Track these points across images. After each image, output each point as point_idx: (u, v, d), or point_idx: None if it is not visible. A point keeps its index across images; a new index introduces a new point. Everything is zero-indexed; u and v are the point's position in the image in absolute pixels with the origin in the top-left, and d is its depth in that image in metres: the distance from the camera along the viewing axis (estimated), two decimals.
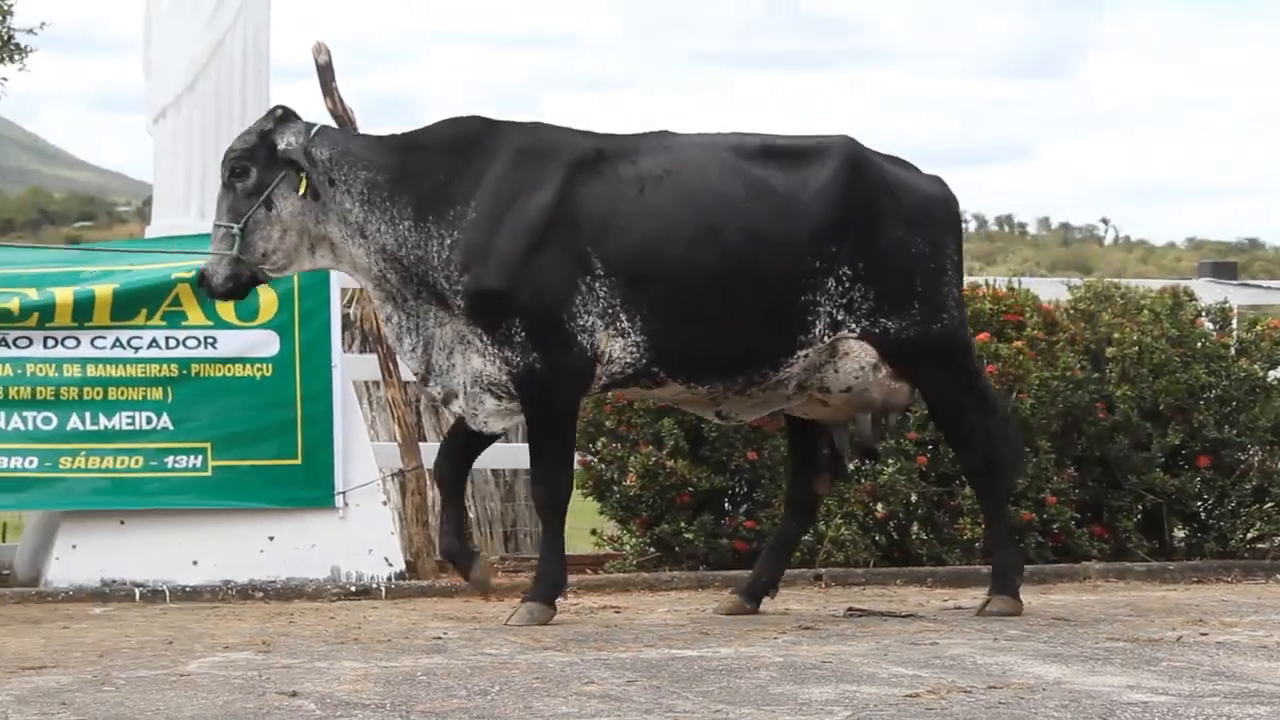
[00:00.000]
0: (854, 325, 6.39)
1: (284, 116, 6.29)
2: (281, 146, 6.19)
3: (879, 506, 7.88)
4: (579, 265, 6.18)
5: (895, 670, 5.20)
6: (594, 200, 6.24)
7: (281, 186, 6.19)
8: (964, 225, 6.89)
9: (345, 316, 8.27)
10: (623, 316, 6.21)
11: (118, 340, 7.16)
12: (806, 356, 6.38)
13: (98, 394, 7.08)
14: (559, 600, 6.34)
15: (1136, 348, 8.18)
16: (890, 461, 7.82)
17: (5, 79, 8.10)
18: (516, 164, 6.26)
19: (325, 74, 7.56)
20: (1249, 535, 8.34)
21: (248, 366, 7.15)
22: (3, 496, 7.11)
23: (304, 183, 6.16)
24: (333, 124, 7.43)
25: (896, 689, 4.86)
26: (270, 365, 7.25)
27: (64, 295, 7.07)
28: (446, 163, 6.27)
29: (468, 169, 6.26)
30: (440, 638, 5.94)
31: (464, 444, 6.46)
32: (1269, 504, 8.26)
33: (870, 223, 6.41)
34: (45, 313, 7.06)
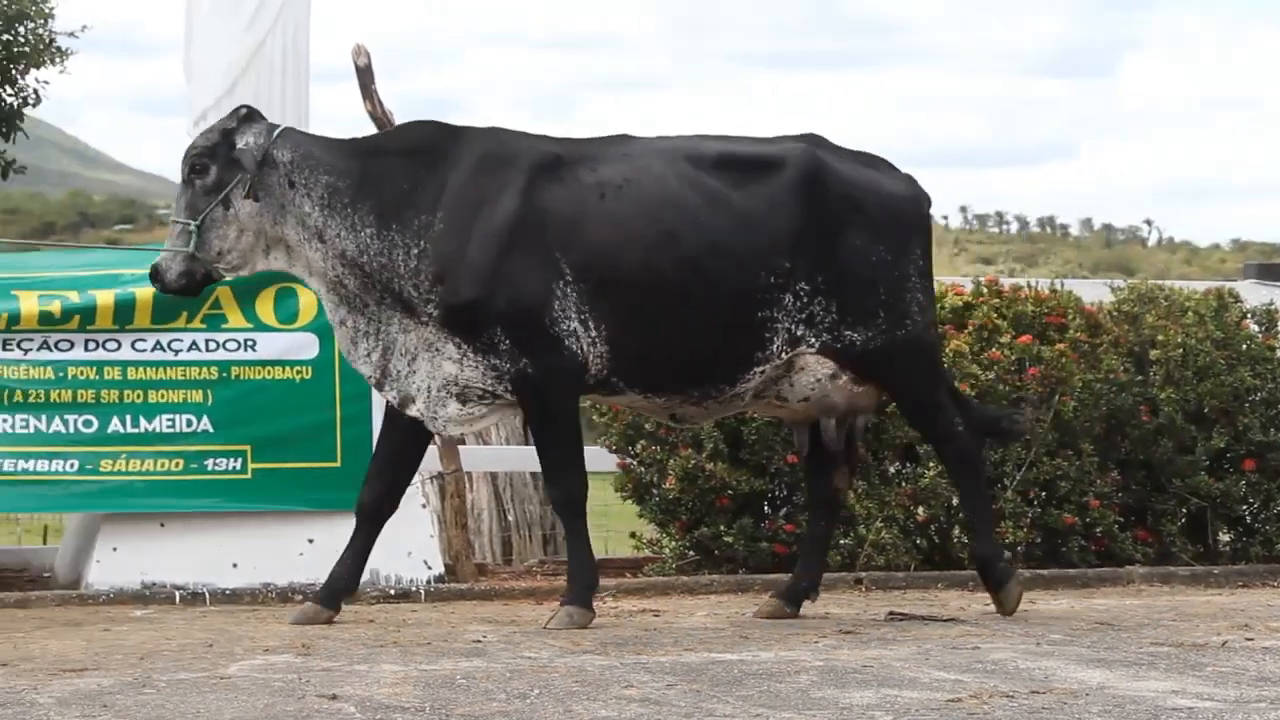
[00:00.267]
0: (814, 340, 6.34)
1: (247, 116, 6.30)
2: (239, 146, 6.19)
3: (920, 510, 7.84)
4: (552, 270, 6.17)
5: (937, 675, 5.16)
6: (558, 205, 6.22)
7: (240, 186, 6.19)
8: (934, 224, 6.82)
9: None
10: (591, 324, 6.20)
11: (158, 343, 7.18)
12: (764, 373, 6.36)
13: (138, 396, 7.10)
14: (596, 602, 6.32)
15: (1181, 350, 8.12)
16: (931, 465, 7.78)
17: (46, 82, 8.13)
18: (479, 171, 6.25)
19: (364, 76, 7.57)
20: None
21: (287, 369, 7.16)
22: (44, 499, 7.14)
23: (247, 184, 6.15)
24: (373, 126, 7.46)
25: (938, 693, 4.83)
26: (309, 368, 7.26)
27: (105, 298, 7.10)
28: (408, 170, 6.26)
29: (431, 177, 6.24)
30: (479, 641, 5.93)
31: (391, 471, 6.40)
32: None
33: (829, 235, 6.35)
34: (86, 315, 7.08)
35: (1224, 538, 8.25)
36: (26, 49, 7.98)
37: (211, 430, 7.15)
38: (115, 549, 7.10)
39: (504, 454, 9.44)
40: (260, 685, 4.98)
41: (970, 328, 8.12)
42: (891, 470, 8.00)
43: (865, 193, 6.44)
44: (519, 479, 9.89)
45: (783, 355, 6.34)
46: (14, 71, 8.00)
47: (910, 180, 6.62)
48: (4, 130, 8.09)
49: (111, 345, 7.14)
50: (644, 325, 6.21)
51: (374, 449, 6.53)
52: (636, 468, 7.93)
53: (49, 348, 7.06)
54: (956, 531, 7.99)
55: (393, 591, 7.19)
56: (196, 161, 6.22)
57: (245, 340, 7.24)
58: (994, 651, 5.63)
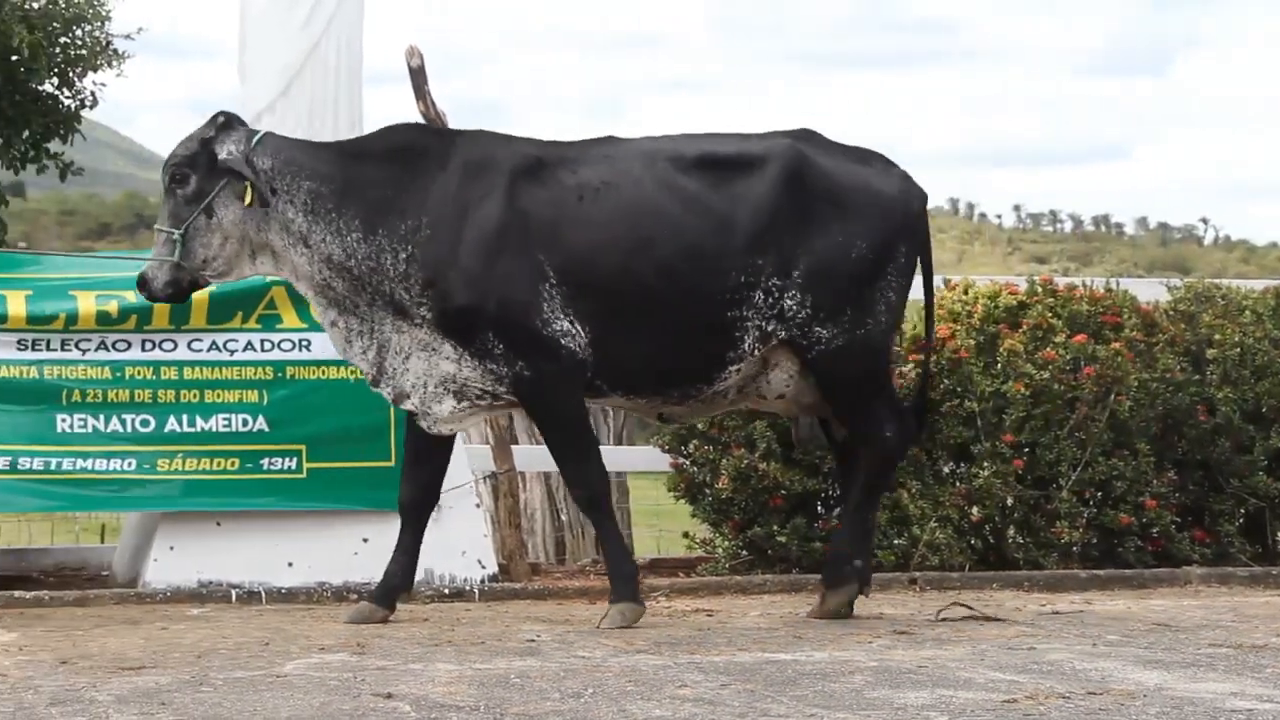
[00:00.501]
0: (783, 334, 6.31)
1: (225, 124, 6.31)
2: (222, 156, 6.21)
3: (974, 510, 7.81)
4: (538, 272, 6.18)
5: (992, 675, 5.14)
6: (539, 208, 6.23)
7: (222, 194, 6.22)
8: (929, 224, 6.66)
9: None
10: (575, 325, 6.22)
11: (214, 343, 7.23)
12: (739, 371, 6.35)
13: (194, 396, 7.14)
14: (649, 602, 6.33)
15: (1238, 349, 8.06)
16: (985, 464, 7.75)
17: (103, 85, 8.18)
18: (463, 176, 6.27)
19: (418, 77, 7.60)
20: None
21: (341, 369, 7.18)
22: (102, 498, 7.19)
23: (249, 192, 6.18)
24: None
25: (994, 694, 4.80)
26: None
27: None
28: (392, 174, 6.28)
29: (414, 182, 6.26)
30: (533, 640, 5.94)
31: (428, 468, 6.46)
32: None
33: (808, 231, 6.30)
34: (143, 316, 7.13)
35: None
36: (84, 52, 8.03)
37: (267, 430, 7.19)
38: (172, 548, 7.15)
39: None
40: (316, 684, 5.01)
41: (1024, 327, 8.08)
42: (945, 470, 7.97)
43: (849, 189, 6.37)
44: None
45: (755, 352, 6.32)
46: (71, 74, 8.06)
47: (904, 178, 6.53)
48: (62, 132, 8.15)
49: (168, 345, 7.19)
50: (622, 328, 6.22)
51: (410, 446, 6.54)
52: (689, 467, 7.92)
53: (106, 348, 7.11)
54: (1011, 531, 7.95)
55: (447, 591, 7.21)
56: (177, 171, 6.26)
57: (300, 340, 7.28)
58: (1050, 652, 5.60)
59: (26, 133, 7.94)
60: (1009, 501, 7.86)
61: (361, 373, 6.45)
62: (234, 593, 7.05)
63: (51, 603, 6.83)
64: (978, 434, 7.87)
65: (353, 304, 6.29)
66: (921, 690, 4.88)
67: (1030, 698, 4.74)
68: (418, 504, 6.49)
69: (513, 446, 8.08)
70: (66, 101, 8.09)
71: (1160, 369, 7.97)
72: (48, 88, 8.00)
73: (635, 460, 9.04)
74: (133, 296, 7.04)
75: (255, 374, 7.22)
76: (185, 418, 7.13)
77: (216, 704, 4.68)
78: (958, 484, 7.85)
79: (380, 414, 7.23)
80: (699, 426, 7.84)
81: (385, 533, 7.04)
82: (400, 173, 6.28)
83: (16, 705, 4.68)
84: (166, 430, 7.10)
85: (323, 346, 7.25)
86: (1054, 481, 7.87)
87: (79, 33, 8.02)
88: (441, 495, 7.30)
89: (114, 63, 8.14)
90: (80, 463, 7.01)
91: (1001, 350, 7.96)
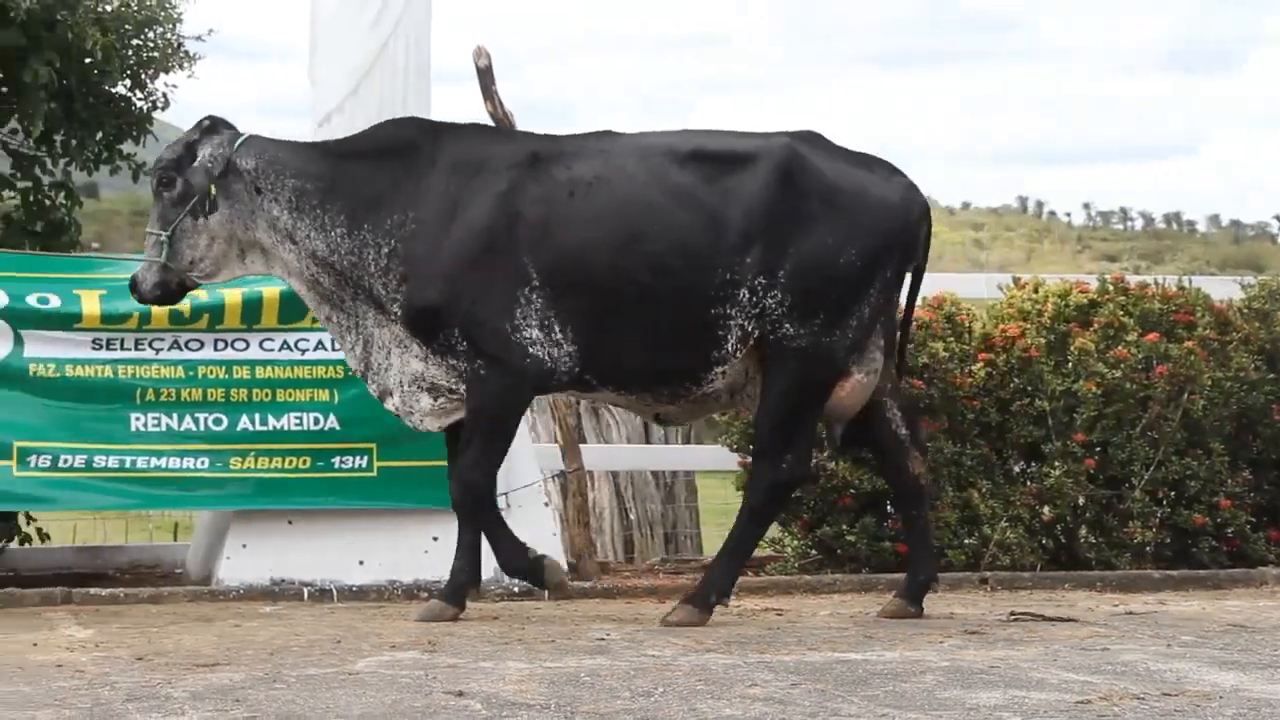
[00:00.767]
0: (757, 333, 6.22)
1: (210, 127, 6.41)
2: (198, 158, 6.31)
3: (1045, 509, 7.76)
4: (518, 277, 6.19)
5: (1065, 676, 5.10)
6: (529, 207, 6.23)
7: (204, 199, 6.30)
8: (930, 233, 6.48)
9: None
10: (556, 327, 6.21)
11: (285, 342, 7.28)
12: (725, 374, 6.28)
13: (266, 395, 7.19)
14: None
15: None
16: (1056, 464, 7.69)
17: (175, 86, 8.25)
18: (454, 173, 6.29)
19: (485, 77, 7.62)
20: None
21: None
22: (175, 496, 7.25)
23: (210, 192, 6.27)
24: (490, 123, 7.50)
25: (1067, 695, 4.76)
26: None
27: (233, 297, 7.20)
28: (383, 169, 6.33)
29: (405, 177, 6.30)
30: (603, 639, 5.94)
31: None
32: None
33: (796, 231, 6.21)
34: (215, 315, 7.19)
35: None
36: (155, 54, 8.10)
37: (338, 428, 7.22)
38: (245, 546, 7.20)
39: (625, 453, 9.46)
40: (388, 681, 5.03)
41: (1096, 326, 8.02)
42: (1016, 469, 7.92)
43: (844, 192, 6.27)
44: (640, 478, 9.90)
45: (738, 354, 6.26)
46: (143, 76, 8.13)
47: (907, 187, 6.39)
48: (134, 134, 8.22)
49: (240, 345, 7.25)
50: (612, 323, 6.20)
51: (450, 446, 6.57)
52: None
53: (179, 347, 7.17)
54: (1083, 531, 7.89)
55: (516, 589, 7.22)
56: (163, 175, 6.36)
57: None
58: (1124, 653, 5.55)
59: (99, 134, 8.02)
60: (1081, 501, 7.80)
61: (351, 368, 6.52)
62: (306, 590, 7.09)
63: (127, 600, 6.90)
64: (1048, 433, 7.82)
65: (339, 299, 6.37)
66: (994, 690, 4.85)
67: (1105, 699, 4.70)
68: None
69: (581, 446, 8.09)
70: (138, 103, 8.16)
71: (1234, 368, 7.89)
72: (120, 89, 8.07)
73: (703, 459, 9.04)
74: (204, 295, 7.10)
75: (327, 373, 7.26)
76: (257, 417, 7.18)
77: (290, 701, 4.71)
78: (1028, 483, 7.80)
79: None
80: None
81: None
82: (391, 168, 6.33)
83: (94, 701, 4.72)
84: (239, 429, 7.15)
85: None
86: (1126, 481, 7.80)
87: (151, 35, 8.10)
88: (510, 494, 7.35)
89: (185, 64, 8.21)
90: (154, 461, 7.07)
91: (1072, 349, 7.90)
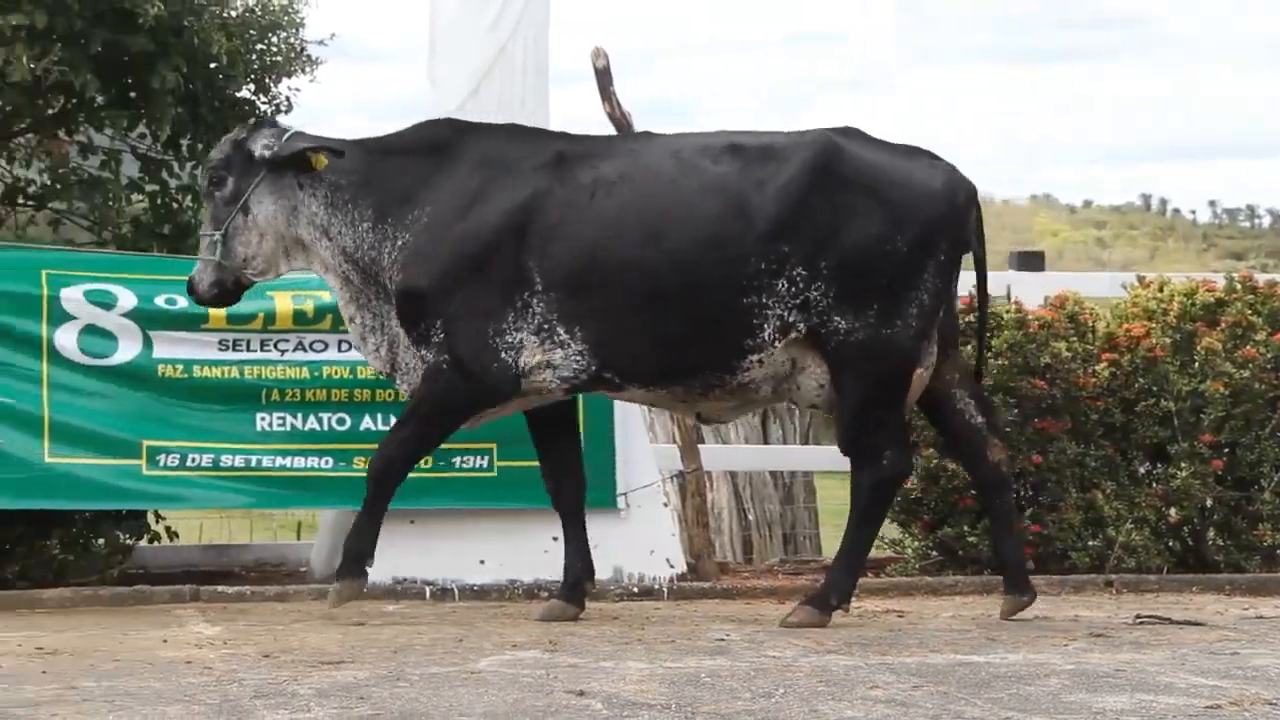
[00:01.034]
0: (803, 325, 6.14)
1: (257, 124, 6.48)
2: (258, 153, 6.35)
3: (1172, 511, 7.65)
4: (518, 281, 6.18)
5: (1194, 680, 5.02)
6: (545, 211, 6.22)
7: (257, 192, 6.36)
8: (981, 218, 6.38)
9: None
10: (560, 329, 6.18)
11: None
12: (761, 362, 6.20)
13: (389, 396, 7.25)
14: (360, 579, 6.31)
15: None
16: (1183, 465, 7.58)
17: (297, 89, 8.35)
18: (474, 171, 6.30)
19: (603, 78, 7.64)
20: None
21: None
22: (300, 495, 7.34)
23: (319, 158, 6.30)
24: (612, 127, 7.52)
25: (1196, 699, 4.69)
26: None
27: None
28: (412, 166, 6.36)
29: (432, 174, 6.32)
30: (723, 639, 5.93)
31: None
32: None
33: (838, 220, 6.13)
34: (339, 316, 7.26)
35: None
36: (279, 58, 8.20)
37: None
38: None
39: (743, 453, 9.44)
40: (509, 680, 5.05)
41: (1223, 325, 7.89)
42: (1141, 471, 7.81)
43: (886, 180, 6.19)
44: (758, 478, 9.88)
45: (776, 343, 6.17)
46: (267, 80, 8.23)
47: (950, 171, 6.31)
48: None
49: None
50: (632, 321, 6.16)
51: (535, 447, 6.64)
52: None
53: (304, 348, 7.25)
54: (1211, 534, 7.77)
55: (636, 589, 7.23)
56: (214, 174, 6.44)
57: None
58: (1254, 657, 5.46)
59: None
60: (1208, 503, 7.68)
61: (376, 370, 6.55)
62: (428, 590, 7.14)
63: (253, 598, 6.99)
64: (1175, 434, 7.70)
65: (366, 298, 6.42)
66: (1120, 694, 4.78)
67: (1235, 704, 4.62)
68: (569, 498, 6.57)
69: (699, 446, 8.08)
70: (262, 107, 8.26)
71: None
72: (245, 93, 8.18)
73: (822, 459, 9.00)
74: (327, 296, 7.17)
75: None
76: (380, 417, 7.24)
77: (413, 699, 4.75)
78: (1154, 485, 7.70)
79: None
80: None
81: None
82: (419, 166, 6.37)
83: (222, 697, 4.79)
84: (362, 429, 7.22)
85: None
86: (1255, 483, 7.67)
87: (274, 39, 8.19)
88: (629, 494, 7.37)
89: (307, 68, 8.30)
90: (279, 461, 7.16)
91: (1199, 348, 7.77)
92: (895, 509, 7.83)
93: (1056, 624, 6.33)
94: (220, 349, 7.21)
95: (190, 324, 7.15)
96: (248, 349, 7.23)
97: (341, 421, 7.23)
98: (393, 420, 7.22)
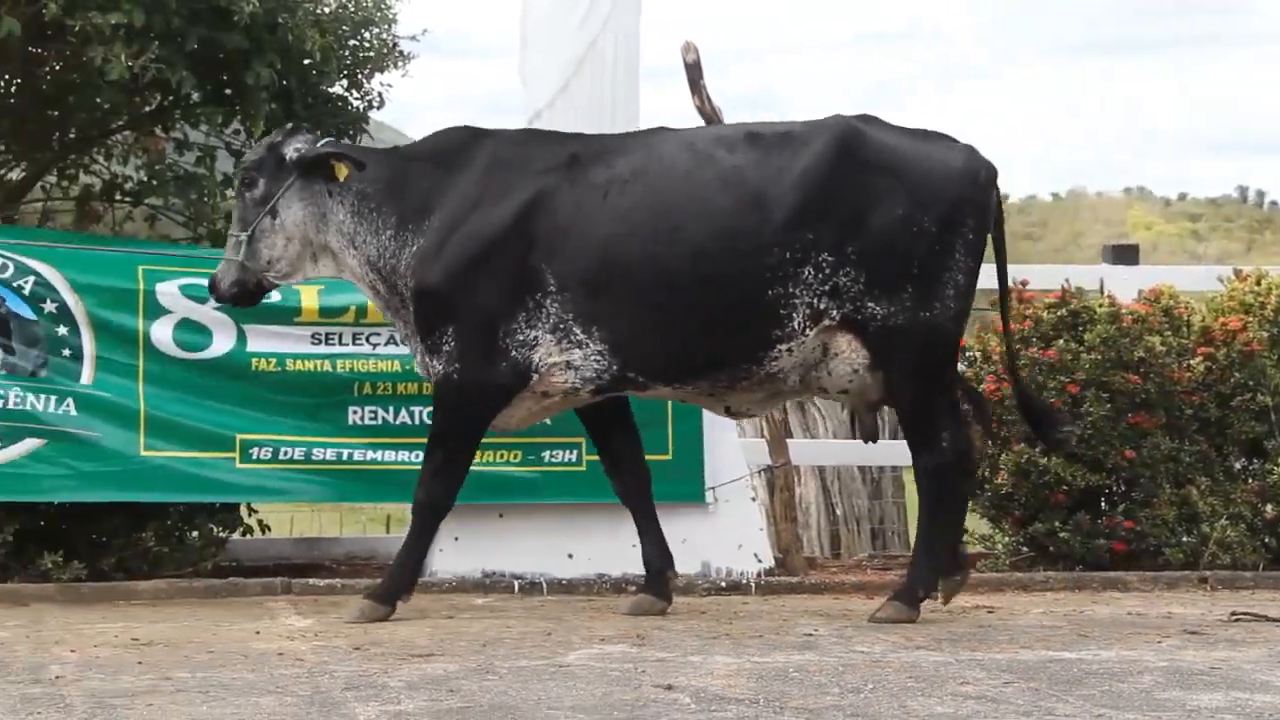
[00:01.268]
0: (835, 313, 6.09)
1: (292, 130, 6.51)
2: (290, 155, 6.37)
3: (1268, 507, 7.55)
4: (528, 282, 6.15)
5: None
6: (555, 213, 6.19)
7: (286, 196, 6.38)
8: (1000, 199, 6.31)
9: None
10: (576, 328, 6.15)
11: None
12: (791, 351, 6.14)
13: None
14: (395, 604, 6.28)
15: None
16: None
17: (389, 85, 8.39)
18: (485, 175, 6.29)
19: (693, 72, 7.64)
20: None
21: None
22: (390, 489, 7.39)
23: (342, 168, 6.32)
24: (702, 121, 7.51)
25: None
26: None
27: None
28: (430, 173, 6.36)
29: (446, 179, 6.32)
30: (811, 634, 5.92)
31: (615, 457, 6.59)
32: None
33: (862, 203, 6.08)
34: None
35: None
36: (371, 54, 8.25)
37: (548, 423, 7.28)
38: (457, 539, 7.30)
39: (832, 448, 9.41)
40: (598, 674, 5.07)
41: None
42: (1237, 466, 7.71)
43: (908, 162, 6.15)
44: (847, 473, 9.84)
45: (806, 332, 6.12)
46: (360, 76, 8.28)
47: (970, 152, 6.26)
48: (350, 133, 8.37)
49: None
50: (651, 318, 6.12)
51: (596, 446, 6.66)
52: None
53: (396, 342, 7.30)
54: None
55: (724, 584, 7.23)
56: (246, 176, 6.48)
57: None
58: None
59: (318, 134, 8.18)
60: None
61: (423, 375, 6.55)
62: (516, 583, 7.18)
63: (344, 590, 7.04)
64: (1271, 429, 7.60)
65: (394, 306, 6.44)
66: (1215, 692, 4.73)
67: None
68: (636, 492, 6.59)
69: (787, 441, 8.06)
70: (355, 103, 8.32)
71: None
72: (338, 89, 8.23)
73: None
74: None
75: None
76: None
77: (502, 692, 4.77)
78: (1250, 480, 7.60)
79: (657, 406, 7.28)
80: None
81: (663, 525, 7.09)
82: (437, 171, 6.37)
83: (314, 689, 4.84)
84: None
85: None
86: None
87: (367, 35, 8.24)
88: (717, 489, 7.36)
89: (399, 64, 8.34)
90: (371, 454, 7.21)
91: None
92: (985, 504, 7.79)
93: (1150, 621, 6.27)
94: (313, 342, 7.27)
95: (283, 318, 7.22)
96: (340, 342, 7.29)
97: (432, 416, 7.25)
98: None
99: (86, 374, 7.10)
